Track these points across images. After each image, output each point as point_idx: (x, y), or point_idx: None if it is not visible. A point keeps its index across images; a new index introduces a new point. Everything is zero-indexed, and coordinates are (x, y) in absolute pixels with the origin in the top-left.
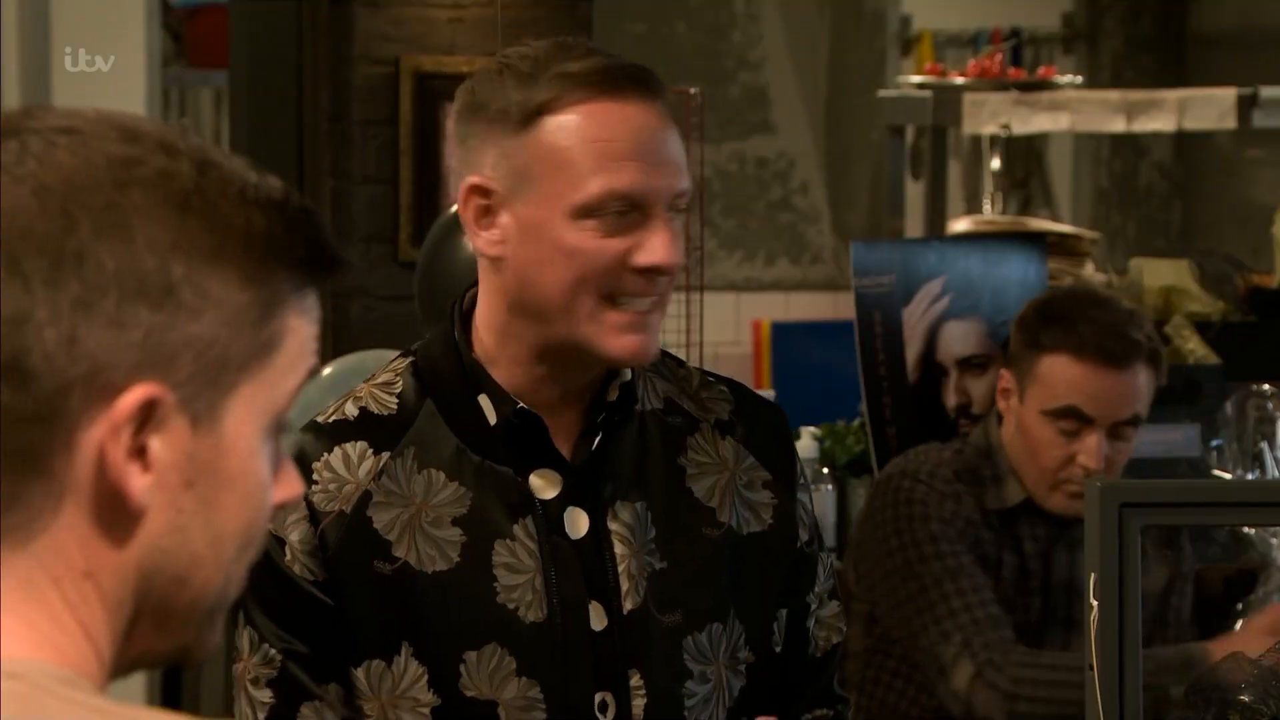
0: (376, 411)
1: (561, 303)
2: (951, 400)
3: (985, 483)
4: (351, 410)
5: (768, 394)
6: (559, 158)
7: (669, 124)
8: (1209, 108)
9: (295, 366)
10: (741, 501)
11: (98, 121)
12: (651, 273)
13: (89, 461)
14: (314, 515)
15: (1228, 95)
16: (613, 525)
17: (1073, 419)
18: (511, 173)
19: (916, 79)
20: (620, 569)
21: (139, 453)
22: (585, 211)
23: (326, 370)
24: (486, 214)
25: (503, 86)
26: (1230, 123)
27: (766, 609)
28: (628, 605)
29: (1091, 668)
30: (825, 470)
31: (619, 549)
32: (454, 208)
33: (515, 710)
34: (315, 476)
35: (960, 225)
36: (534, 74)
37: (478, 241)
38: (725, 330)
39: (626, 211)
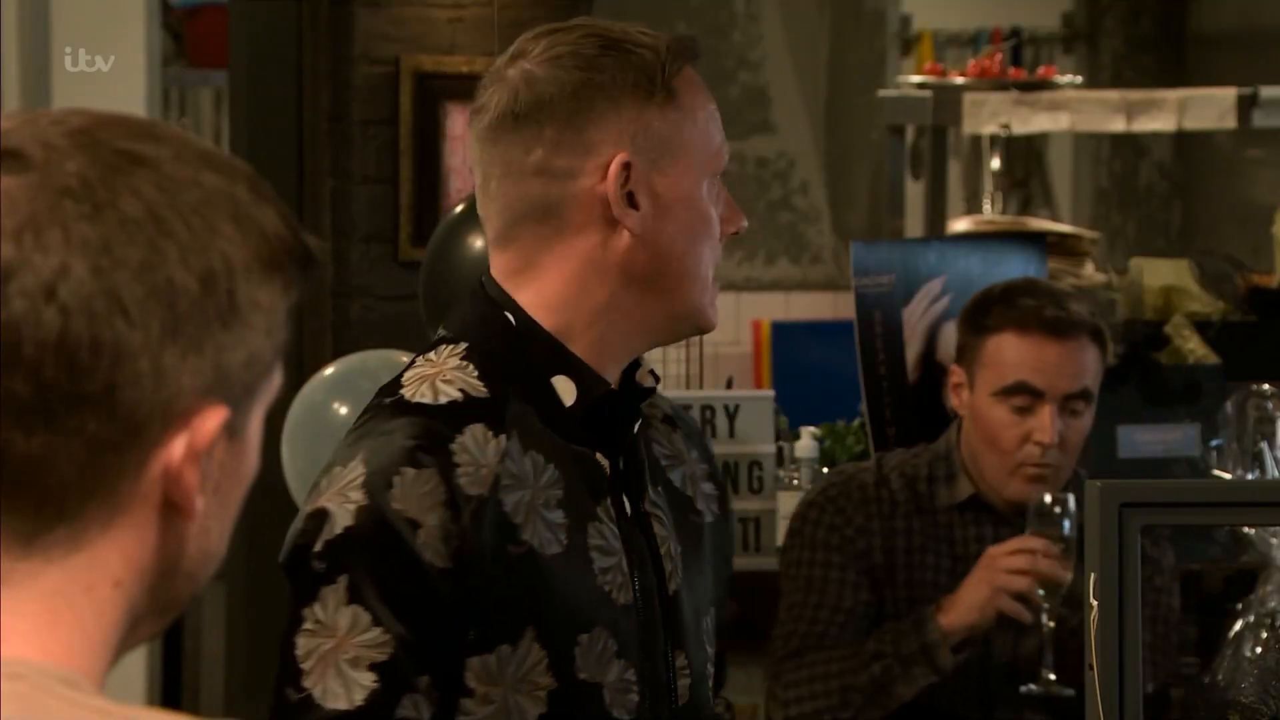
0: (475, 395)
1: (700, 273)
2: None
3: (938, 482)
4: (453, 392)
5: (768, 394)
6: (699, 128)
7: None
8: (1209, 107)
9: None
10: (700, 493)
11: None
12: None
13: (154, 480)
14: (456, 499)
15: (1228, 95)
16: (649, 509)
17: (1023, 394)
18: (653, 146)
19: (916, 79)
20: (663, 551)
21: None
22: (714, 177)
23: (329, 370)
24: (629, 190)
25: (631, 62)
26: (1230, 122)
27: (723, 599)
28: (671, 587)
29: (1091, 668)
30: (825, 470)
31: (658, 531)
32: (459, 207)
33: (616, 692)
34: (456, 459)
35: (960, 225)
36: (659, 47)
37: (629, 220)
38: (725, 330)
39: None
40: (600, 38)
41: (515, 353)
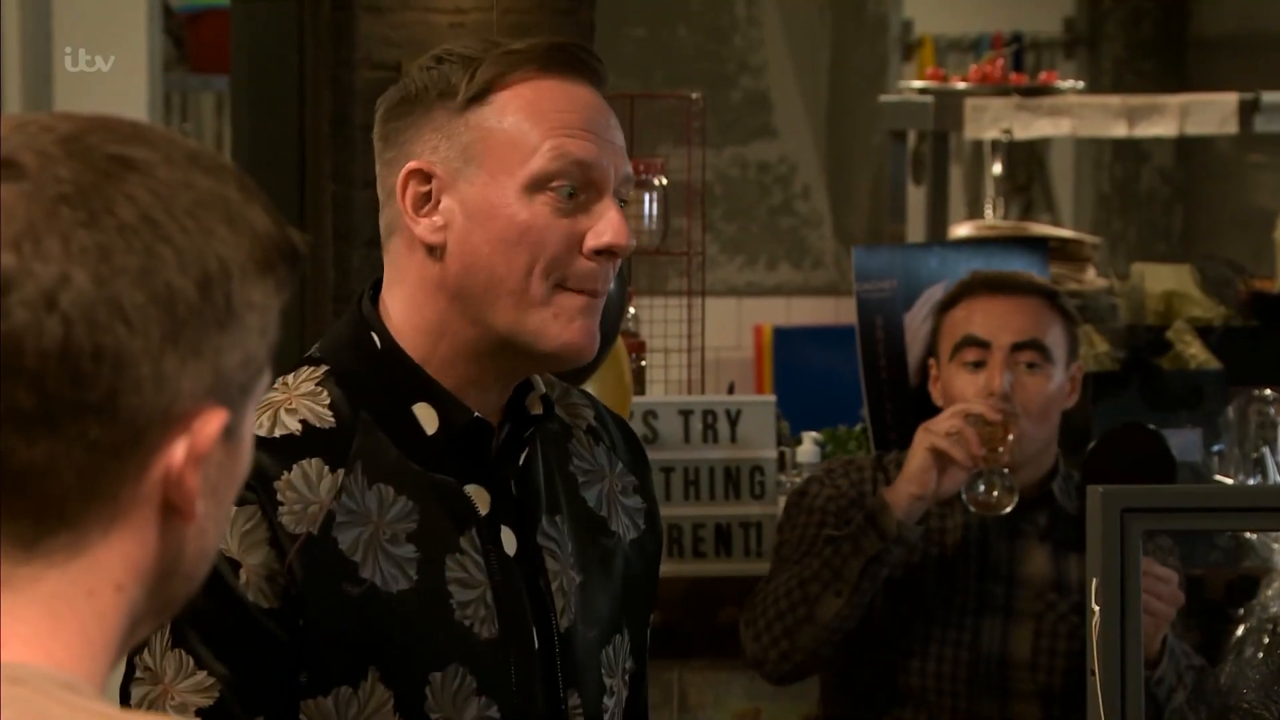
0: (318, 425)
1: (513, 287)
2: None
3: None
4: (292, 424)
5: (769, 399)
6: (510, 131)
7: (612, 111)
8: (1210, 112)
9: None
10: (621, 509)
11: (149, 145)
12: (604, 255)
13: (154, 483)
14: (278, 538)
15: (1229, 100)
16: (541, 541)
17: (972, 348)
18: (456, 153)
19: (918, 84)
20: (554, 586)
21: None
22: (538, 183)
23: None
24: (426, 200)
25: (443, 72)
26: (1231, 127)
27: (644, 616)
28: (564, 623)
29: (1093, 673)
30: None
31: (550, 565)
32: None
33: None
34: (280, 497)
35: (962, 230)
36: (480, 55)
37: (418, 229)
38: (727, 335)
39: (576, 191)
40: (442, 53)
41: (378, 377)
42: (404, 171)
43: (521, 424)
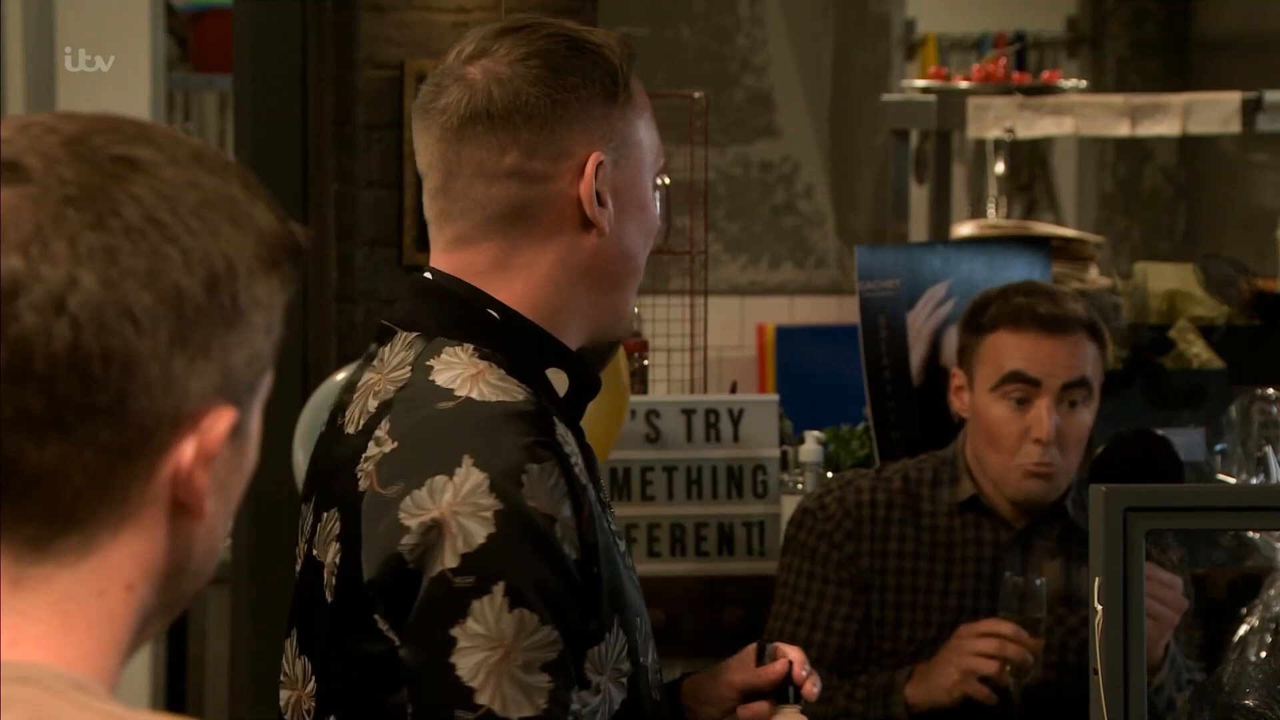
0: (524, 389)
1: (640, 271)
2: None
3: (941, 485)
4: (517, 391)
5: (772, 398)
6: (649, 123)
7: None
8: (1213, 111)
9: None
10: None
11: (153, 145)
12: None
13: (164, 483)
14: (574, 490)
15: (1232, 99)
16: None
17: (1019, 384)
18: (617, 145)
19: (921, 83)
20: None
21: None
22: (658, 171)
23: (340, 375)
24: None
25: (593, 64)
26: (1235, 127)
27: (638, 617)
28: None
29: (1096, 672)
30: (829, 475)
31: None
32: None
33: (654, 674)
34: (566, 449)
35: (964, 229)
36: (608, 44)
37: (602, 219)
38: (729, 334)
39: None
40: (565, 39)
41: (506, 349)
42: (592, 162)
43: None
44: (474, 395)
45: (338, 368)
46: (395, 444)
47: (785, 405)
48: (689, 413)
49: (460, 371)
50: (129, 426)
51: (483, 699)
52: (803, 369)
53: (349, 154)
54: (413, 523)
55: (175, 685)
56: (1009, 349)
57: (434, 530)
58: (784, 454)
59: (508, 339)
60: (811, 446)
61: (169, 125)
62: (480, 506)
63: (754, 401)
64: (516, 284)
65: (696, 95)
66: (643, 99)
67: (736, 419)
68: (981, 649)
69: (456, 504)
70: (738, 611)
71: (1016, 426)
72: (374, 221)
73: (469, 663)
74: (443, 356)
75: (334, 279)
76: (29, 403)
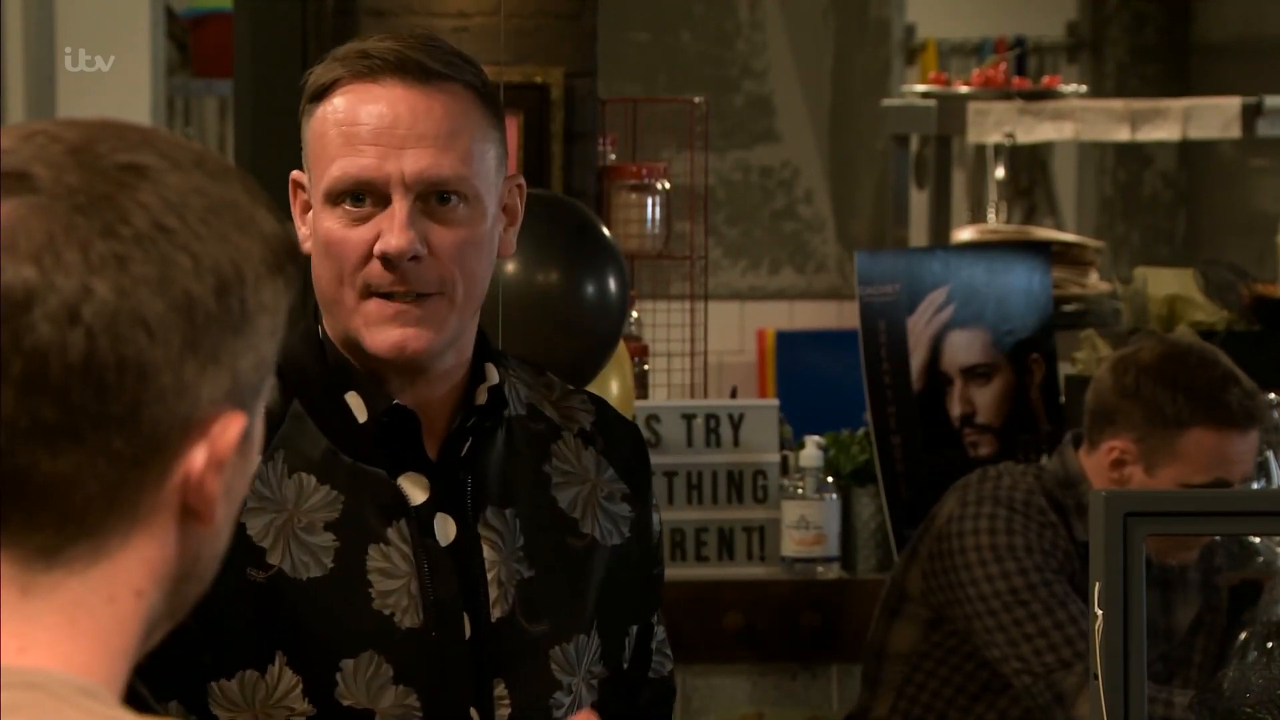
0: None
1: (332, 297)
2: (956, 409)
3: (1069, 512)
4: None
5: (772, 403)
6: (319, 143)
7: (443, 108)
8: (1213, 116)
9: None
10: (603, 513)
11: (157, 151)
12: (387, 261)
13: (174, 489)
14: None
15: (1232, 104)
16: (481, 531)
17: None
18: (305, 160)
19: (921, 88)
20: (489, 576)
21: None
22: (331, 198)
23: None
24: (304, 209)
25: (311, 73)
26: (1235, 131)
27: (621, 624)
28: (495, 614)
29: (1096, 677)
30: (830, 479)
31: (488, 555)
32: None
33: (394, 719)
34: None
35: (964, 234)
36: (332, 58)
37: (302, 239)
38: (729, 339)
39: (363, 199)
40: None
41: (319, 367)
42: (292, 178)
43: (469, 414)
44: None
45: None
46: None
47: (785, 410)
48: (689, 418)
49: None
50: (142, 434)
51: None
52: (803, 374)
53: None
54: None
55: None
56: (1215, 454)
57: None
58: (784, 459)
59: (321, 359)
60: (811, 451)
61: (169, 130)
62: None
63: (754, 406)
64: None
65: (697, 100)
66: (328, 109)
67: (737, 424)
68: None
69: None
70: (738, 616)
71: None
72: None
73: None
74: None
75: None
76: (43, 413)
